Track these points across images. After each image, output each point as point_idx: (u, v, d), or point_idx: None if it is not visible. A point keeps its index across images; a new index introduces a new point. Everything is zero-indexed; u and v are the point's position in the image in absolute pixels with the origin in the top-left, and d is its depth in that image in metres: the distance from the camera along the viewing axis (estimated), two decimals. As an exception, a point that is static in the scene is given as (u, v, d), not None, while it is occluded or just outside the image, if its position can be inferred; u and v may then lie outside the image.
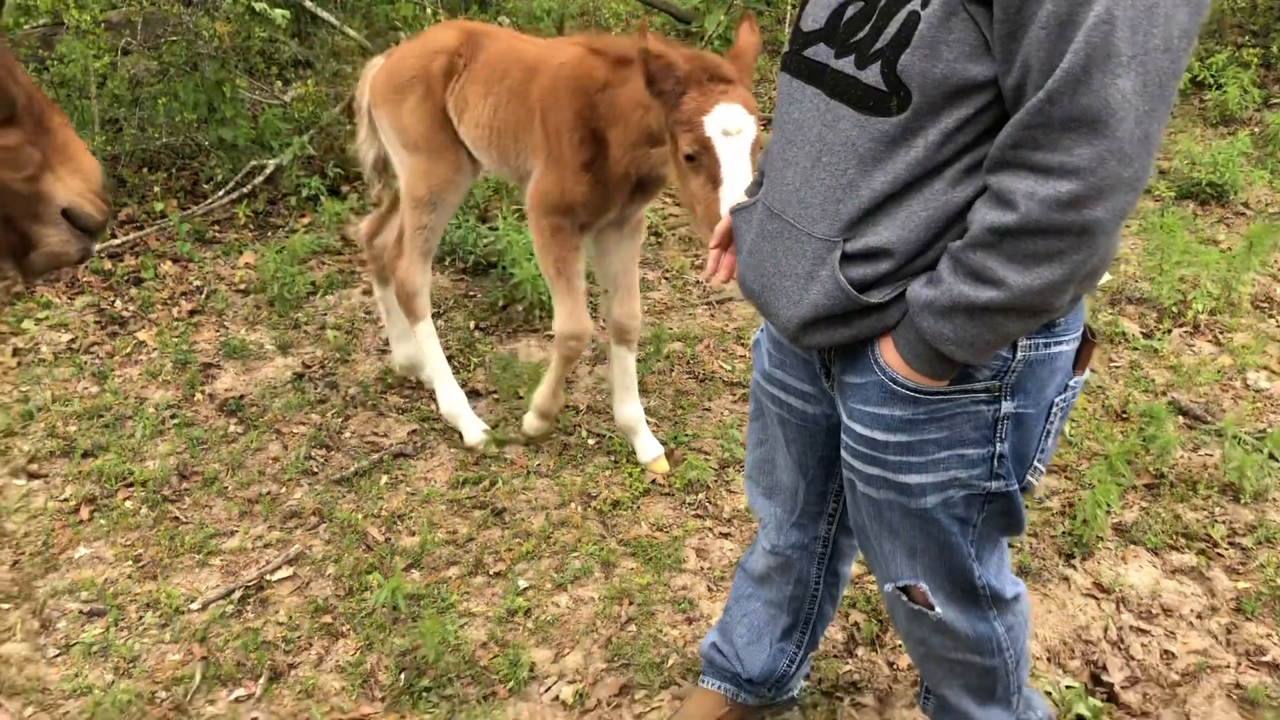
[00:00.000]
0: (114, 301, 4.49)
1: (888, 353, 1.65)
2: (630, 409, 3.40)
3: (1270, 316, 4.27)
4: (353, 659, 2.73)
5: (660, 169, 2.91)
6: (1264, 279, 4.52)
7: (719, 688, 2.46)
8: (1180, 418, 3.58)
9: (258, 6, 4.92)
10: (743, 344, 4.19)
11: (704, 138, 2.48)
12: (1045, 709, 2.25)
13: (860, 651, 2.74)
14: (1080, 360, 1.71)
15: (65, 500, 3.33)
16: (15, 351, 4.13)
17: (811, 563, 2.26)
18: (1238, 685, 2.61)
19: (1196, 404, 3.69)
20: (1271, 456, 3.32)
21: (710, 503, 3.29)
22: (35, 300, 4.44)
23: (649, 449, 3.41)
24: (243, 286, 4.66)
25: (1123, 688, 2.61)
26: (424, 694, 2.61)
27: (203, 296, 4.56)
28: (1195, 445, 3.48)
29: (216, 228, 5.11)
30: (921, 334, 1.57)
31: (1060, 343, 1.66)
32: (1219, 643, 2.74)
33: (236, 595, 2.95)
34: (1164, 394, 3.74)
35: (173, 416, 3.75)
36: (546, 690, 2.64)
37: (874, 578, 2.08)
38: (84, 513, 3.27)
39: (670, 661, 2.71)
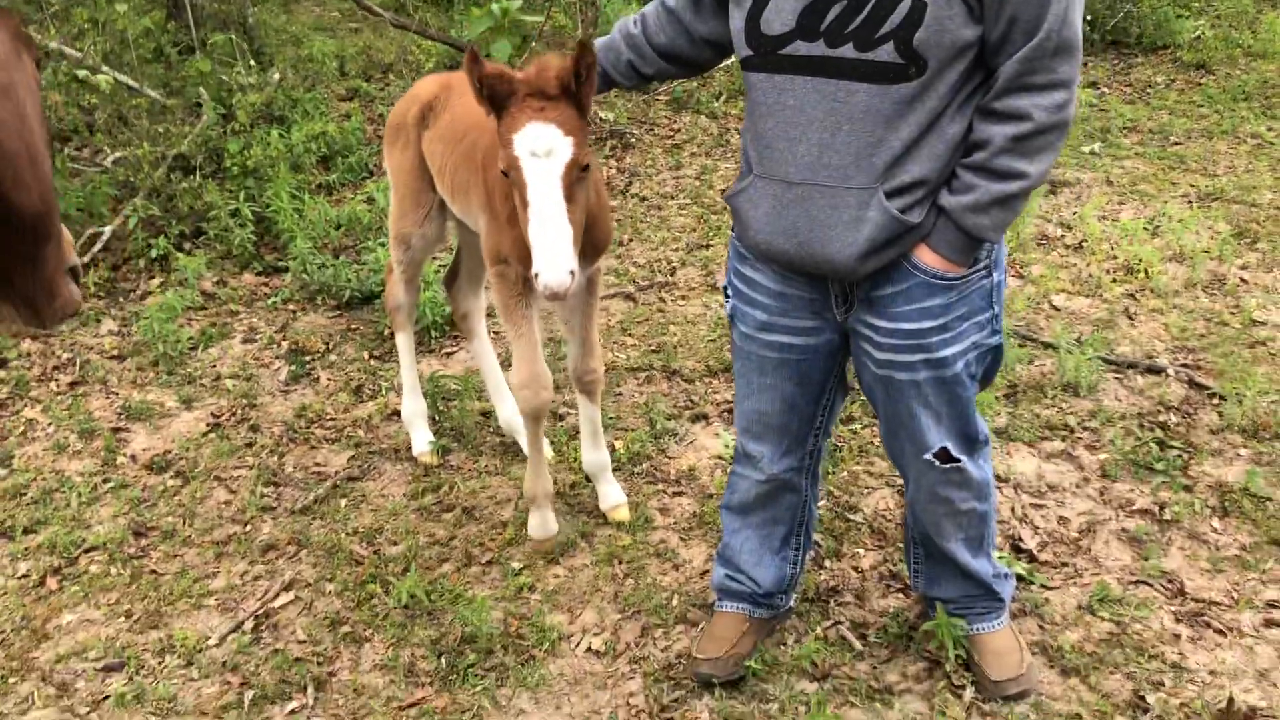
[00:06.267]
0: (-18, 386, 4.35)
1: (927, 256, 2.17)
2: (595, 455, 3.37)
3: (1052, 250, 5.08)
4: (388, 657, 2.91)
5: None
6: (1037, 221, 5.35)
7: (737, 608, 2.83)
8: (1013, 339, 4.25)
9: (81, 74, 4.87)
10: (629, 335, 4.58)
11: (512, 157, 2.42)
12: (1002, 568, 2.78)
13: (828, 563, 3.18)
14: None
15: (24, 577, 3.30)
16: (-104, 448, 3.96)
17: (802, 475, 2.70)
18: (1124, 530, 3.23)
19: (1020, 326, 4.39)
20: (1093, 358, 4.03)
21: (657, 470, 3.65)
22: (-104, 396, 4.24)
23: (610, 496, 3.41)
24: (115, 353, 4.61)
25: (1038, 550, 3.18)
26: (469, 670, 2.84)
27: (77, 368, 4.49)
28: (1031, 359, 4.16)
29: (64, 300, 4.98)
30: (965, 230, 2.10)
31: None
32: (1098, 502, 3.37)
33: (248, 625, 3.06)
34: (993, 323, 4.42)
35: (104, 481, 3.74)
36: (577, 645, 2.93)
37: (898, 468, 2.56)
38: (51, 584, 3.26)
39: (674, 602, 3.06)
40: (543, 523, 3.31)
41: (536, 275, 2.40)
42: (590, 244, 2.97)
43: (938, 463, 2.41)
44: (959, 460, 2.40)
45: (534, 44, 7.21)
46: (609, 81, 2.64)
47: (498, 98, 2.44)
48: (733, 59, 2.35)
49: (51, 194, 2.05)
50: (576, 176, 2.46)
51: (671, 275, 5.13)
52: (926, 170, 2.09)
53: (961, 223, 2.11)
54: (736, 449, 2.73)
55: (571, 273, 2.42)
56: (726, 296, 2.55)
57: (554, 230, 2.40)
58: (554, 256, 2.38)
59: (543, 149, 2.39)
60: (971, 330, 2.26)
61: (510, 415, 3.76)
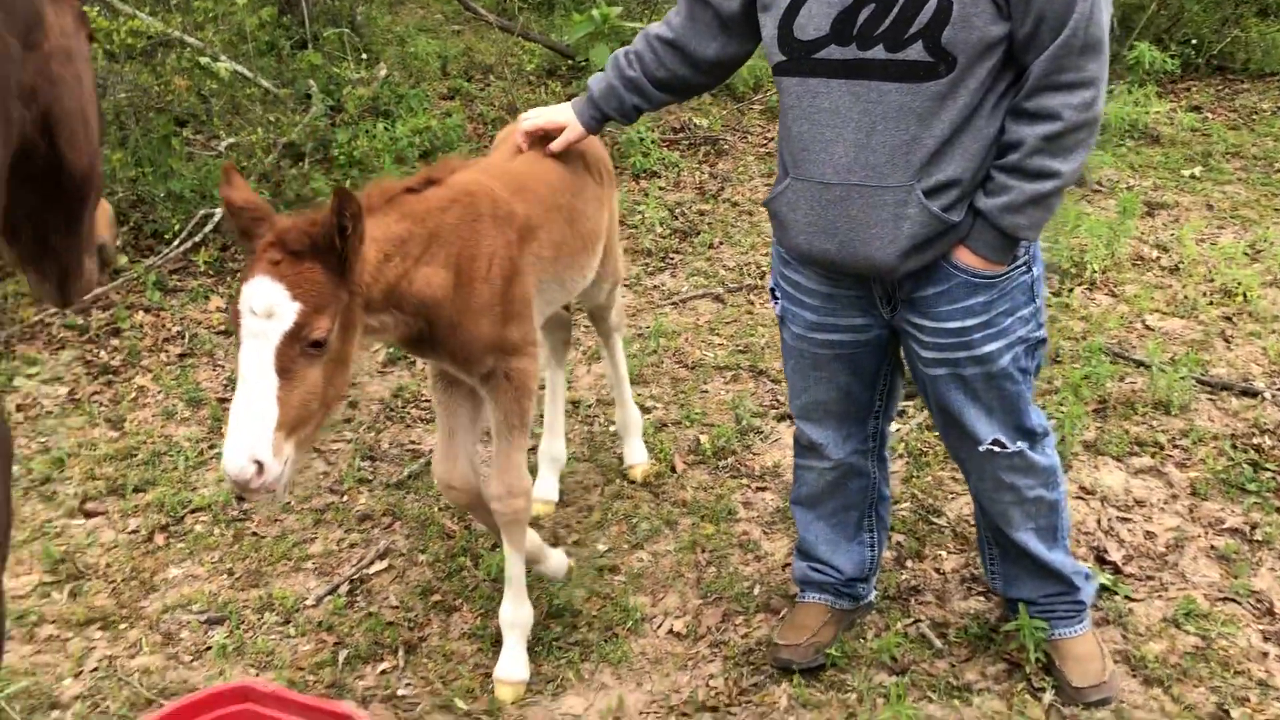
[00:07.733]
0: (98, 353, 4.57)
1: (966, 257, 2.21)
2: (513, 610, 2.80)
3: (1148, 270, 5.03)
4: (476, 626, 3.01)
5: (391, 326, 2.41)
6: (1132, 241, 5.29)
7: (820, 598, 2.88)
8: (1104, 355, 4.22)
9: (203, 61, 5.09)
10: (716, 335, 4.64)
11: (235, 310, 2.07)
12: (1083, 568, 2.78)
13: (910, 564, 3.21)
14: None
15: (134, 532, 3.47)
16: (19, 407, 4.17)
17: (867, 457, 2.75)
18: (1212, 548, 3.20)
19: (1112, 344, 4.36)
20: (1186, 378, 3.99)
21: (741, 465, 3.71)
22: (20, 358, 4.47)
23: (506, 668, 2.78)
24: (222, 328, 4.80)
25: (1124, 563, 3.17)
26: (554, 643, 2.92)
27: (186, 340, 4.69)
28: (1121, 376, 4.13)
29: (175, 277, 5.21)
30: (1002, 230, 2.14)
31: None
32: (1186, 519, 3.35)
33: (344, 589, 3.18)
34: (1083, 339, 4.40)
35: (210, 447, 3.90)
36: (659, 626, 3.00)
37: (956, 460, 2.63)
38: (159, 540, 3.42)
39: (756, 591, 3.11)
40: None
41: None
42: (448, 353, 2.56)
43: (996, 449, 2.44)
44: (1019, 447, 2.43)
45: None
46: (605, 120, 2.69)
47: (248, 233, 2.14)
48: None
49: (99, 158, 2.07)
50: (302, 350, 2.03)
51: (760, 279, 5.18)
52: (961, 169, 2.12)
53: (999, 223, 2.15)
54: (798, 442, 2.77)
55: (259, 463, 1.99)
56: (775, 298, 2.60)
57: (247, 409, 2.00)
58: (236, 440, 1.98)
59: (261, 309, 2.00)
60: (1016, 325, 2.30)
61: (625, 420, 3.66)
